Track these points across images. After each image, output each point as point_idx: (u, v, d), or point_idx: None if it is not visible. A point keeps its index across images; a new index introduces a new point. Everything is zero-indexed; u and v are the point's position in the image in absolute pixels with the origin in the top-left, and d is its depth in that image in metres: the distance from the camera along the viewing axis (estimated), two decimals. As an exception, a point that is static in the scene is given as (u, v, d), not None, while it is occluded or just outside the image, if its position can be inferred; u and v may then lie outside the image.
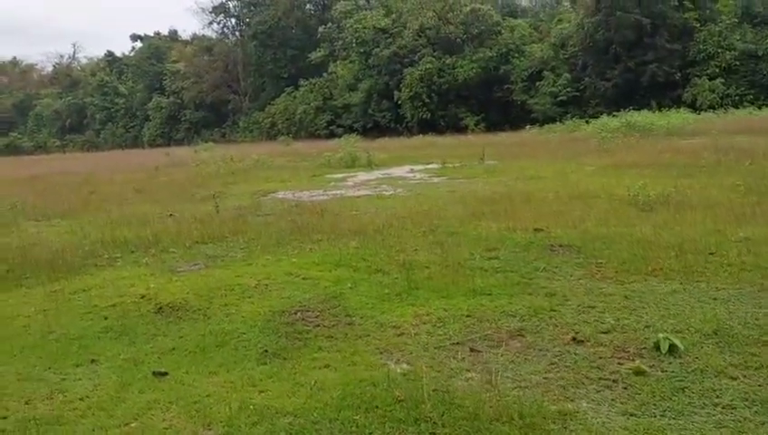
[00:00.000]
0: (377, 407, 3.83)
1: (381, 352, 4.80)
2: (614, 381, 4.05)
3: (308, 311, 5.79)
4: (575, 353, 4.48)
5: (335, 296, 6.16)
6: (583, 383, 4.04)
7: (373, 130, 49.41)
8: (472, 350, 4.73)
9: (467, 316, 5.38)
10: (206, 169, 23.33)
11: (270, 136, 57.76)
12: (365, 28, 51.57)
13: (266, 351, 4.93)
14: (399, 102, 49.07)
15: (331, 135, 51.89)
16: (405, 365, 4.52)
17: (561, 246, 7.56)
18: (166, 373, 4.60)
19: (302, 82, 58.18)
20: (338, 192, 14.67)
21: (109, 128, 77.08)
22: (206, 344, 5.12)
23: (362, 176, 18.23)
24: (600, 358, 4.39)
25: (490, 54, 46.14)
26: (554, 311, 5.33)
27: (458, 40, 48.11)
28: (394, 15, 52.08)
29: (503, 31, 47.87)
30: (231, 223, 10.48)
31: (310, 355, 4.82)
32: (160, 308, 6.05)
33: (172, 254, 8.45)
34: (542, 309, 5.38)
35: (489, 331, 5.04)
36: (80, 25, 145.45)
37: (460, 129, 45.51)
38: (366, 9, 55.58)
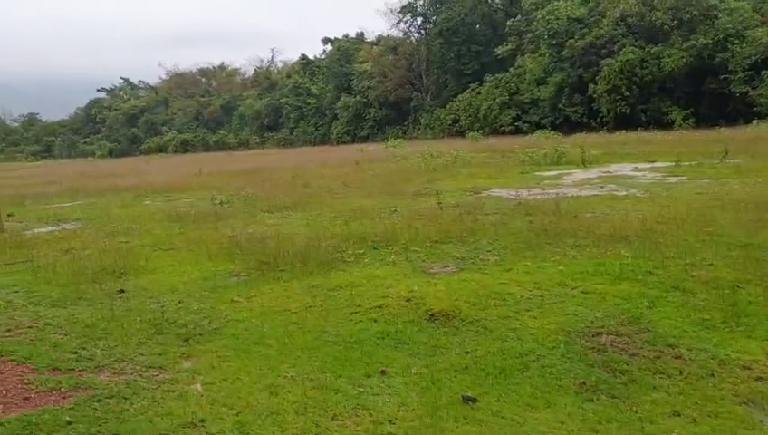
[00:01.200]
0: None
1: (744, 402, 3.72)
2: None
3: (613, 335, 4.85)
4: None
5: (635, 318, 5.16)
6: None
7: (563, 125, 46.67)
8: None
9: None
10: (405, 165, 23.35)
11: (451, 133, 57.43)
12: (558, 19, 48.98)
13: (584, 383, 4.10)
14: (594, 96, 45.81)
15: (517, 131, 50.09)
16: (793, 426, 3.41)
17: None
18: (475, 399, 3.96)
19: (486, 77, 56.96)
20: (558, 191, 13.46)
21: (301, 126, 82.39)
22: (506, 367, 4.42)
23: (579, 174, 16.75)
24: None
25: (704, 42, 41.14)
26: None
27: (665, 27, 43.60)
28: (591, 4, 48.78)
29: (719, 15, 42.46)
30: (461, 221, 9.86)
31: (645, 395, 3.89)
32: (432, 315, 5.50)
33: (415, 252, 7.99)
34: None
35: None
36: (278, 30, 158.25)
37: (663, 124, 41.32)
38: (558, -1, 52.80)
